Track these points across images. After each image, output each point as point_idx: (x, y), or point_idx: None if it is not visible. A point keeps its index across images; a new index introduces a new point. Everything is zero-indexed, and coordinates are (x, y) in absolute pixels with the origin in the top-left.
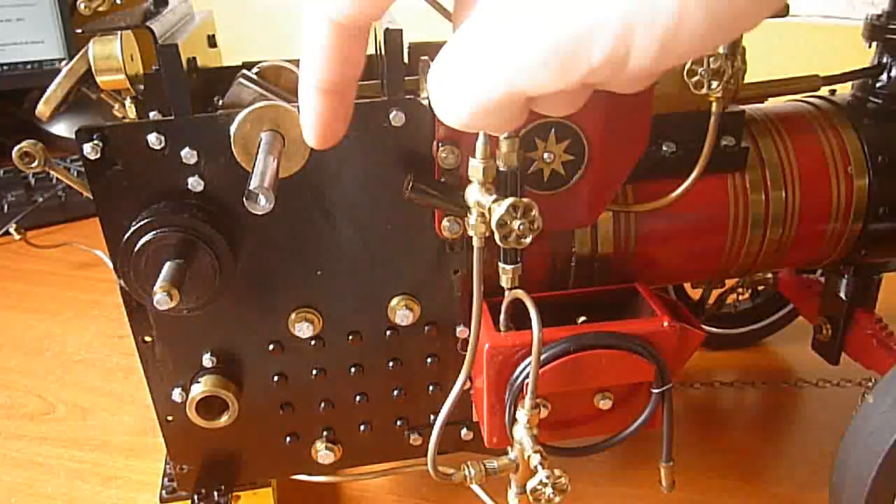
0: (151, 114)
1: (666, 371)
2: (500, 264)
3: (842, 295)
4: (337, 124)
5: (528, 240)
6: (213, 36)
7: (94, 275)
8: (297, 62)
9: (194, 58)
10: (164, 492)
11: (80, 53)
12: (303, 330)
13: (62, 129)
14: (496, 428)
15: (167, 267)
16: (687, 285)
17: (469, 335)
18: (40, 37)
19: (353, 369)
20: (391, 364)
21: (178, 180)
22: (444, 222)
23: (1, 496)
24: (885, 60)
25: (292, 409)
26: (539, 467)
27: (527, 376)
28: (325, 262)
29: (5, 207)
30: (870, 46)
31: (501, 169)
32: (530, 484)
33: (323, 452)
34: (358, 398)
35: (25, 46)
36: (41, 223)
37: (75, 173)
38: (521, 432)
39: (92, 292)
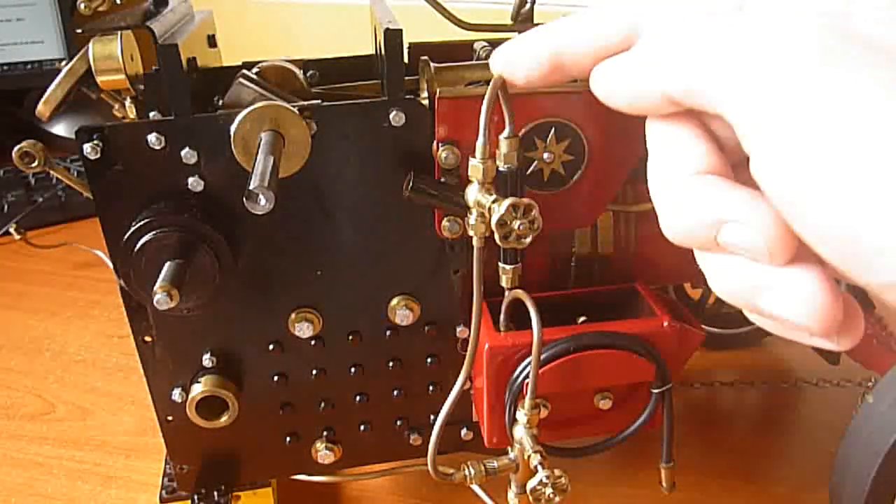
0: (151, 114)
1: (666, 371)
2: (500, 264)
3: None
4: None
5: (528, 240)
6: (213, 36)
7: (94, 275)
8: (297, 62)
9: (194, 58)
10: (164, 492)
11: (80, 53)
12: (303, 330)
13: (62, 129)
14: (496, 428)
15: (167, 267)
16: (687, 285)
17: (469, 335)
18: (40, 37)
19: (353, 369)
20: (391, 364)
21: (178, 180)
22: (444, 222)
23: (1, 496)
24: None
25: (292, 409)
26: (539, 467)
27: (527, 376)
28: (325, 262)
29: (5, 207)
30: None
31: (501, 169)
32: (530, 484)
33: (323, 452)
34: (358, 398)
35: (25, 46)
36: (41, 223)
37: (75, 173)
38: (521, 432)
39: (92, 292)
